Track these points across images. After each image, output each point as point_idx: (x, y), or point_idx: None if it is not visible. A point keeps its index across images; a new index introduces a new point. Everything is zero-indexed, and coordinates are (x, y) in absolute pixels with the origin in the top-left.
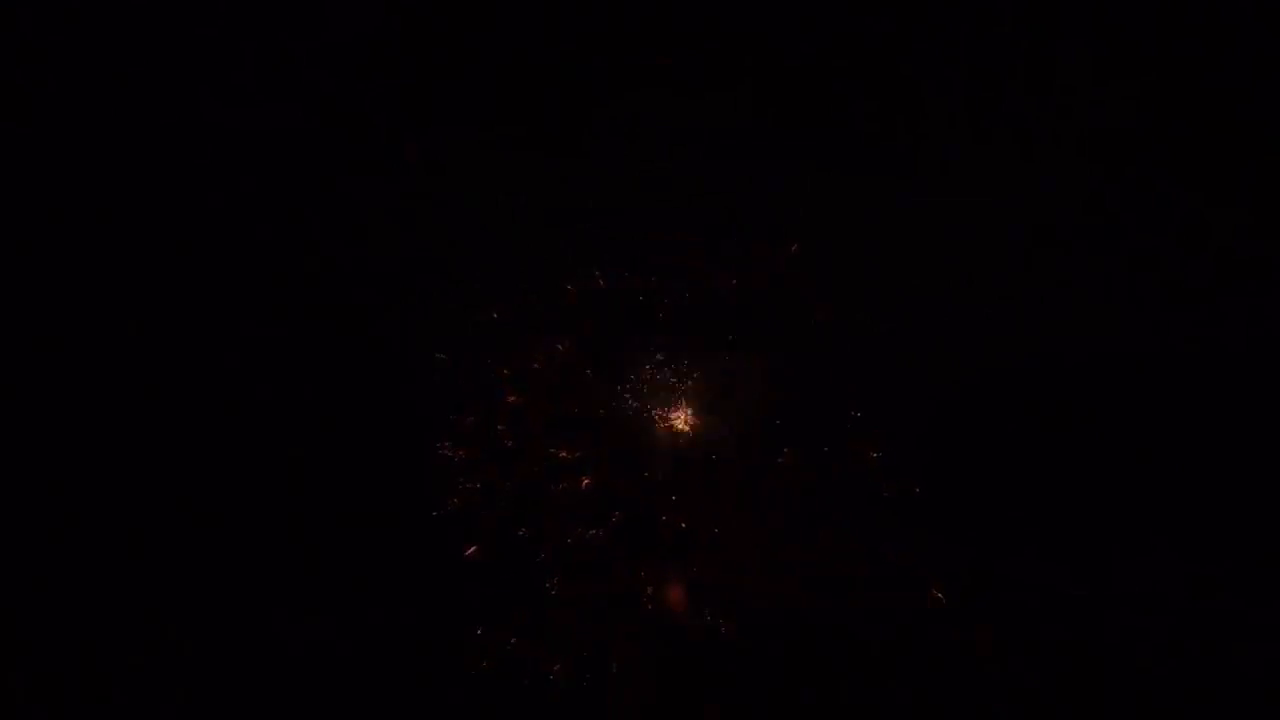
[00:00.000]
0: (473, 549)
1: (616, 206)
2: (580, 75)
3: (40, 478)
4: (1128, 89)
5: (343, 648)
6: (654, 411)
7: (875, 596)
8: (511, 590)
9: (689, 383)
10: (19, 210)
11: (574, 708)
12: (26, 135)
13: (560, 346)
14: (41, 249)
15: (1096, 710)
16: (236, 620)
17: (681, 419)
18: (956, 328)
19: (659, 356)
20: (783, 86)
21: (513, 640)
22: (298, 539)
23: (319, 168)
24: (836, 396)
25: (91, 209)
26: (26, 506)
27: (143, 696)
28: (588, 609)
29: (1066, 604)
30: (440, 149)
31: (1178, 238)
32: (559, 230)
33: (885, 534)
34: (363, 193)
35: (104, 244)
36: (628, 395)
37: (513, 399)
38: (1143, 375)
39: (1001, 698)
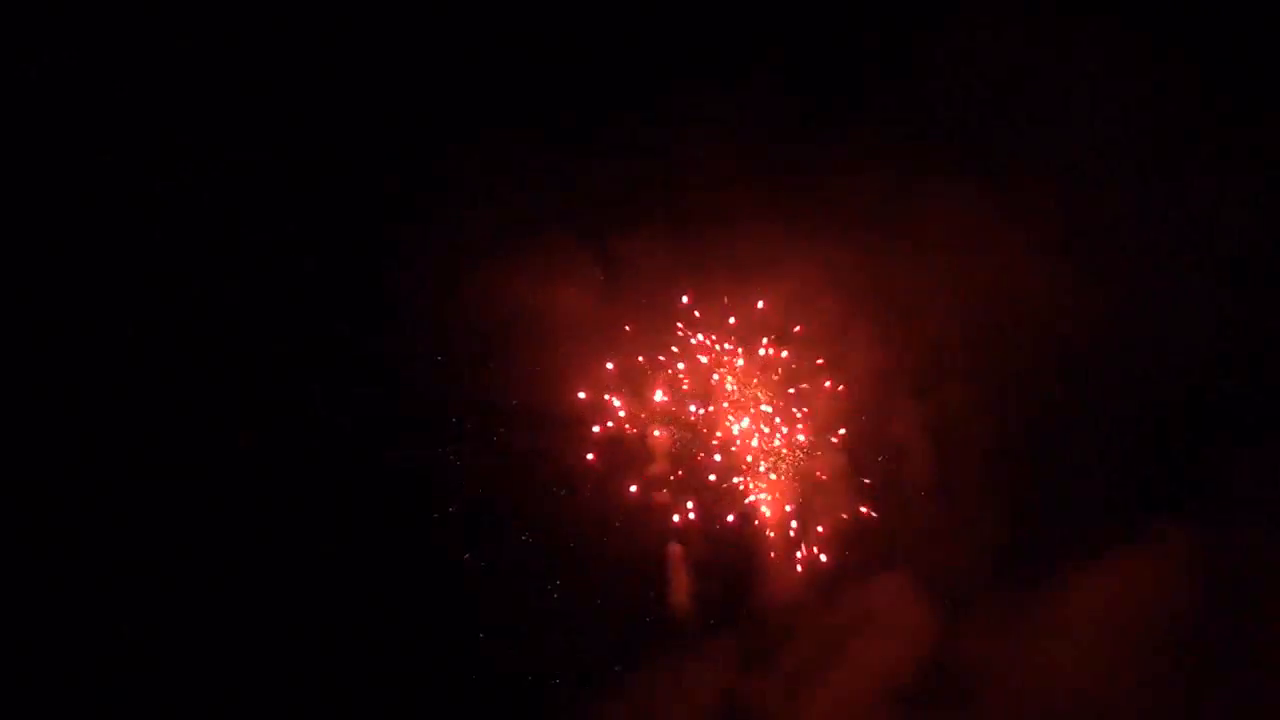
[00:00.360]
0: (467, 555)
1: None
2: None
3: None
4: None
5: (344, 652)
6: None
7: None
8: (512, 595)
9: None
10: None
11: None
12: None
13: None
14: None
15: None
16: (236, 622)
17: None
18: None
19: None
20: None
21: (514, 645)
22: (298, 542)
23: (325, 170)
24: None
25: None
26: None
27: (144, 696)
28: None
29: None
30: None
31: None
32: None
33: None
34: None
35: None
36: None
37: (515, 402)
38: None
39: None
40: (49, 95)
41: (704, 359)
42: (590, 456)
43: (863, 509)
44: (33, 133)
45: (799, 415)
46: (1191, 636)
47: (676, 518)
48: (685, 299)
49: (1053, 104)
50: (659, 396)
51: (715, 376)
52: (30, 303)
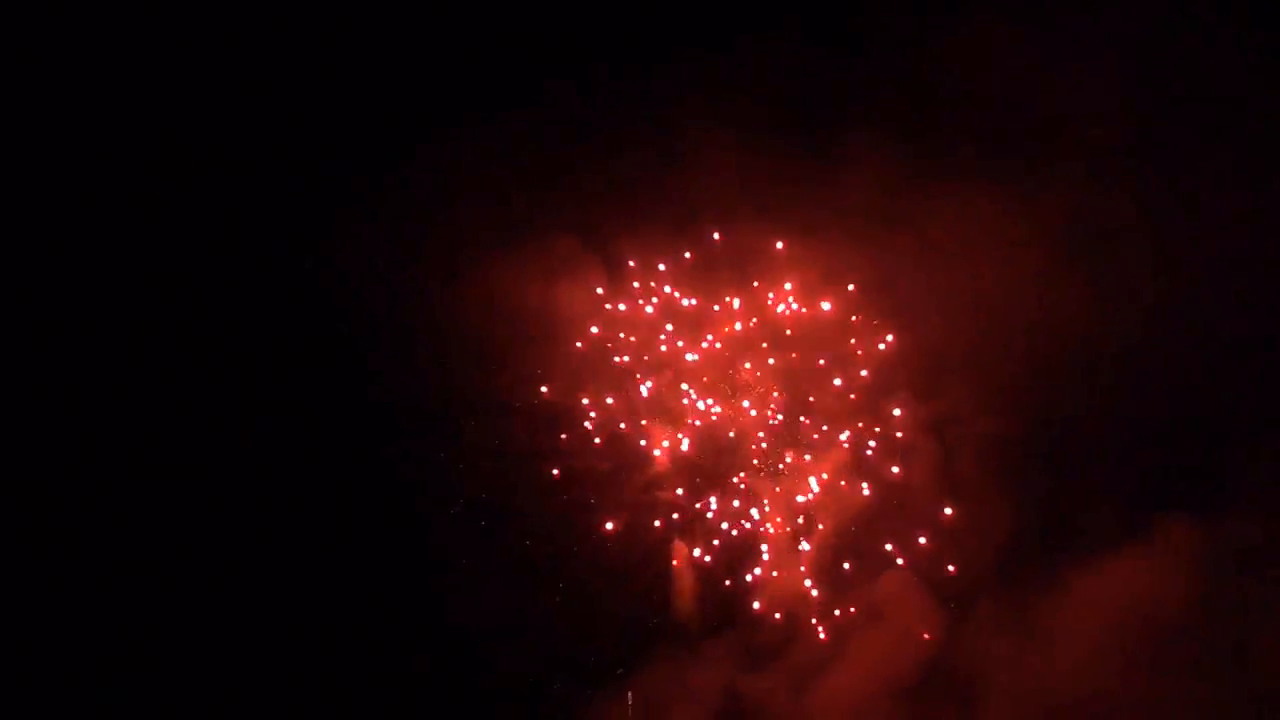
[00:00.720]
0: (466, 560)
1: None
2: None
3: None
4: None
5: (344, 652)
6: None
7: None
8: (513, 596)
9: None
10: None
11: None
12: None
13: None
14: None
15: None
16: (236, 622)
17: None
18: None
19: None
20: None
21: (514, 646)
22: (299, 542)
23: (325, 169)
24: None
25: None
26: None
27: (144, 696)
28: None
29: None
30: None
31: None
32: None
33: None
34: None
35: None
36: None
37: (517, 404)
38: None
39: None
40: (49, 95)
41: (695, 357)
42: (591, 457)
43: (921, 539)
44: (33, 133)
45: (804, 416)
46: (1192, 635)
47: (678, 517)
48: (687, 256)
49: (1060, 102)
50: (648, 392)
51: (690, 356)
52: (30, 303)
